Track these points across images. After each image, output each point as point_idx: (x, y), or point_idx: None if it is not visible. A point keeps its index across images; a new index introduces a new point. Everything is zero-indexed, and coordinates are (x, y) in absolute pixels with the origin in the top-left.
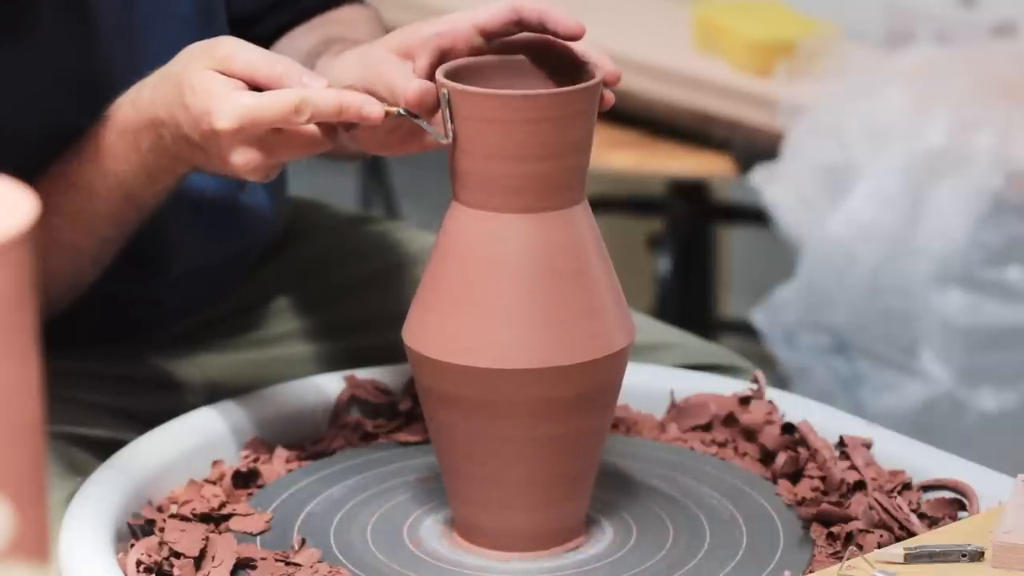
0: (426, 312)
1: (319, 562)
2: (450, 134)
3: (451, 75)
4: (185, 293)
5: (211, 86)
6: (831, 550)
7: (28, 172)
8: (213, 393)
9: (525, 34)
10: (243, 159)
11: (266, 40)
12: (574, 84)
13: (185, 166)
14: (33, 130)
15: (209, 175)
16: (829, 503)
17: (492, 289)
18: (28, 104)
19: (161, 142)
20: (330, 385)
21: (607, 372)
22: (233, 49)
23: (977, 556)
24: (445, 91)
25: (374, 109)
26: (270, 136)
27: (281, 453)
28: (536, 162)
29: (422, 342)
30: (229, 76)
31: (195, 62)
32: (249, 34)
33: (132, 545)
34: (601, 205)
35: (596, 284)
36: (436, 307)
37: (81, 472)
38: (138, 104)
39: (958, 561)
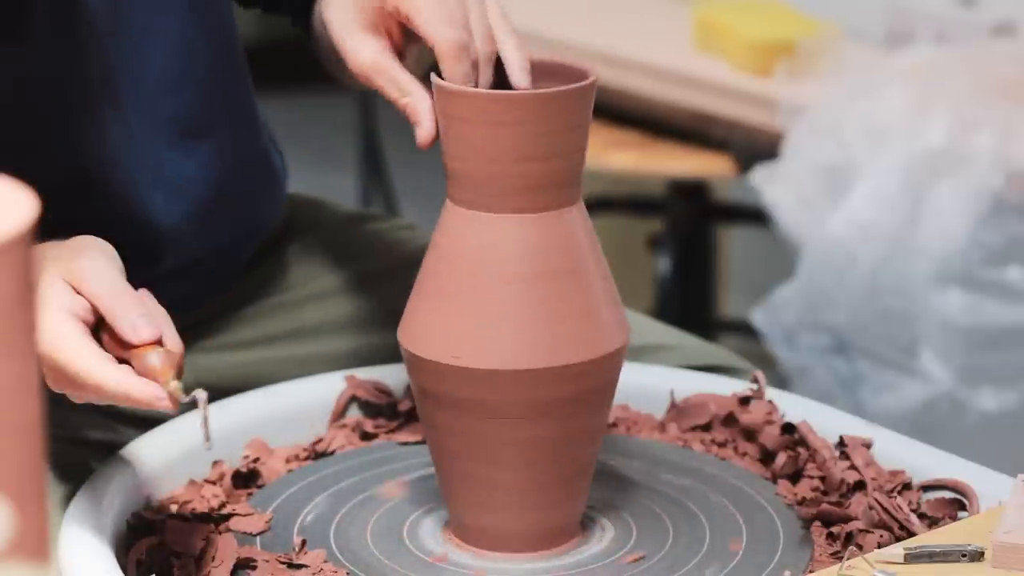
0: (421, 313)
1: (325, 562)
2: (208, 440)
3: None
4: (180, 291)
5: (52, 313)
6: (831, 550)
7: (27, 172)
8: (211, 393)
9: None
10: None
11: None
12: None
13: None
14: (29, 128)
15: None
16: (829, 503)
17: (486, 290)
18: (23, 101)
19: None
20: (330, 385)
21: (602, 372)
22: (87, 271)
23: (977, 556)
24: (203, 397)
25: (164, 404)
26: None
27: (281, 453)
28: (529, 163)
29: (417, 343)
30: (77, 292)
31: (52, 266)
32: None
33: (132, 545)
34: (601, 205)
35: (591, 285)
36: (430, 308)
37: (81, 472)
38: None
39: (958, 561)
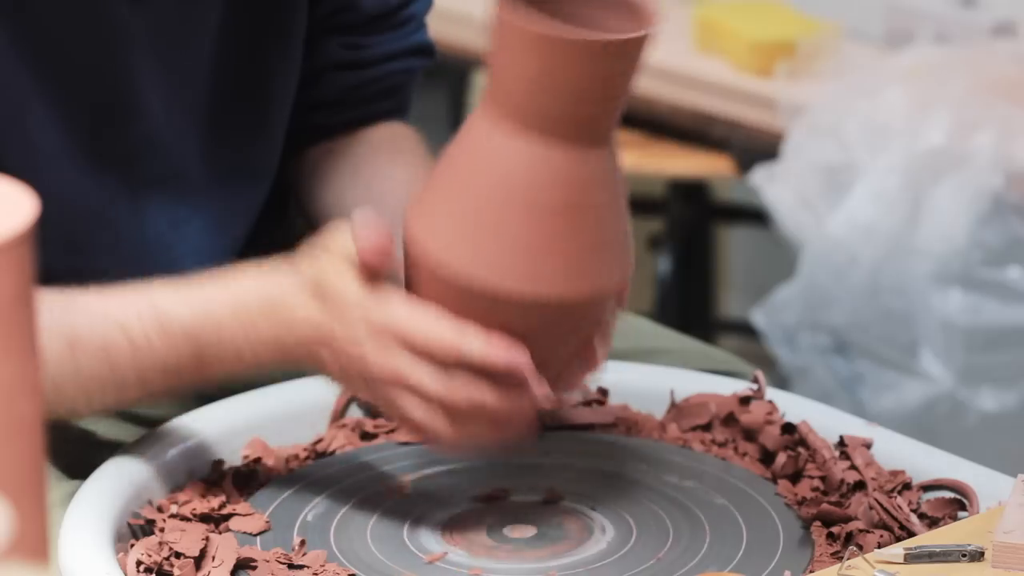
0: (427, 212)
1: (325, 562)
2: None
3: None
4: None
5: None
6: (831, 550)
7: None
8: (211, 393)
9: None
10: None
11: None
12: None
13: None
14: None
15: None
16: (829, 503)
17: (497, 208)
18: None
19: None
20: (330, 385)
21: (583, 311)
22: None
23: (977, 556)
24: None
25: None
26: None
27: (281, 453)
28: (569, 104)
29: (420, 242)
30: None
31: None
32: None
33: (132, 545)
34: None
35: (601, 223)
36: (439, 211)
37: (81, 472)
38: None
39: (958, 561)
